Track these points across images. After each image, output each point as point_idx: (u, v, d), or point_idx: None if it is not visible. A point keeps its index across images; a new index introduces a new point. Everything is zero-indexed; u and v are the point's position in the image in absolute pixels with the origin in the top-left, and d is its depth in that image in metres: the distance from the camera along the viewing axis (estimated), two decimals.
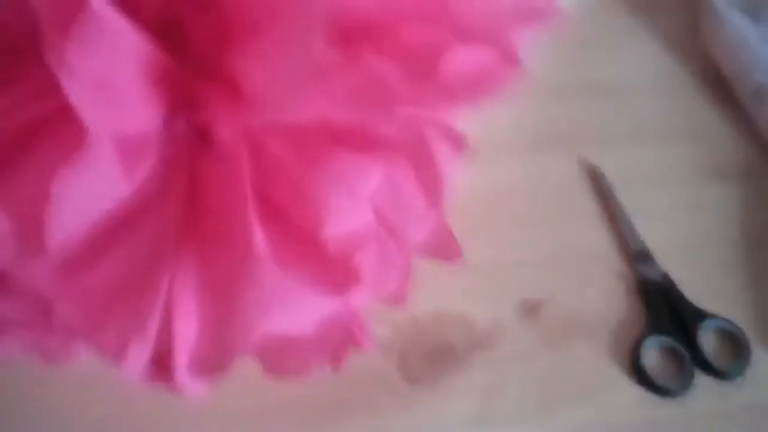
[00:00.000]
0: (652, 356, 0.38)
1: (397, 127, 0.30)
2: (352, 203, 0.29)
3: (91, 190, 0.27)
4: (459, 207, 0.38)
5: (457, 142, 0.31)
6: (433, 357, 0.37)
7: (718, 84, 0.47)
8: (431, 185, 0.31)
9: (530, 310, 0.38)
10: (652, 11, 0.50)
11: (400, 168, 0.30)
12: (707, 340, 0.38)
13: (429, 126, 0.30)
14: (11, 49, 0.27)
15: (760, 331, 0.38)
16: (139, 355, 0.30)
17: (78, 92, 0.24)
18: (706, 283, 0.40)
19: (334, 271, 0.30)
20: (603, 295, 0.39)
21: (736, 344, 0.38)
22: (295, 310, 0.29)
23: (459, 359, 0.37)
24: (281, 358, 0.32)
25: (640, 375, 0.37)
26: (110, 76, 0.26)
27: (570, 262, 0.40)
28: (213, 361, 0.30)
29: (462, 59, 0.29)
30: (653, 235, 0.41)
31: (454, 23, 0.29)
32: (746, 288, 0.40)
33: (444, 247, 0.34)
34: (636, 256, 0.40)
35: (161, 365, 0.33)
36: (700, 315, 0.38)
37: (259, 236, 0.29)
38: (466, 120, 0.38)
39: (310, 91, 0.26)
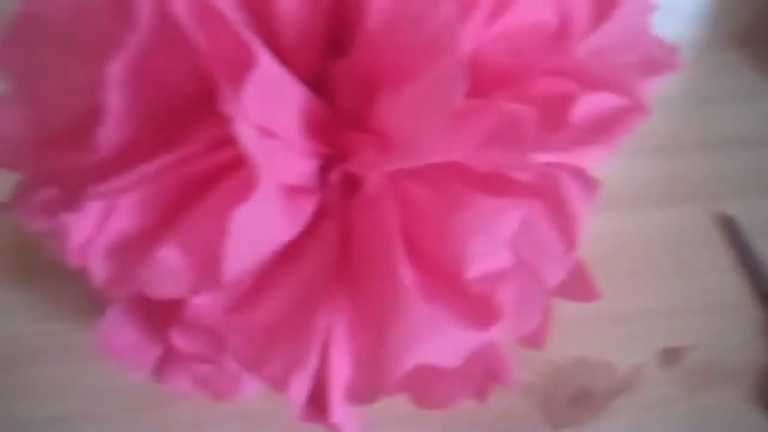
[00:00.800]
0: None
1: (533, 172, 0.32)
2: (492, 245, 0.31)
3: (260, 231, 0.30)
4: (596, 255, 0.40)
5: (590, 186, 0.33)
6: (575, 401, 0.38)
7: None
8: (566, 228, 0.32)
9: (671, 357, 0.39)
10: None
11: (537, 211, 0.32)
12: None
13: (562, 171, 0.32)
14: (185, 108, 0.32)
15: None
16: (301, 387, 0.33)
17: (249, 140, 0.28)
18: None
19: (477, 307, 0.31)
20: (743, 343, 0.39)
21: None
22: (442, 342, 0.31)
23: (601, 405, 0.37)
24: (429, 390, 0.34)
25: None
26: (276, 127, 0.29)
27: (708, 310, 0.40)
28: (366, 391, 0.32)
29: (591, 107, 0.31)
30: None
31: (581, 74, 0.31)
32: None
33: (581, 288, 0.35)
34: None
35: (317, 403, 0.35)
36: None
37: (407, 273, 0.31)
38: (601, 170, 0.40)
39: (449, 136, 0.28)
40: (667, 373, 0.38)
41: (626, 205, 0.44)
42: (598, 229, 0.41)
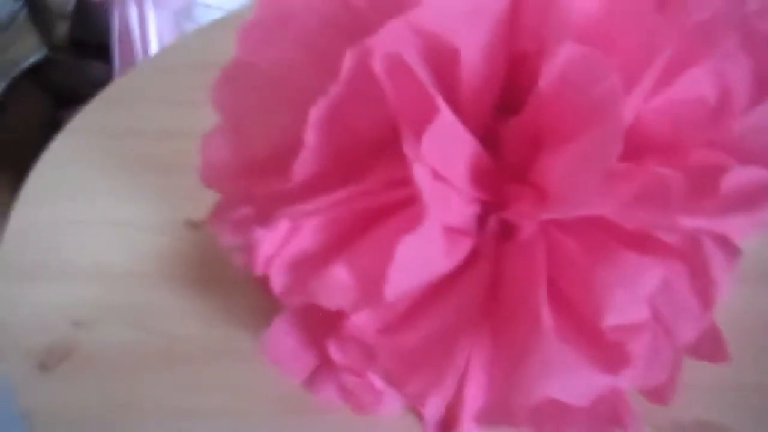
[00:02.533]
0: None
1: (678, 235, 0.34)
2: (631, 298, 0.34)
3: (421, 261, 0.34)
4: (741, 325, 0.42)
5: (733, 254, 0.34)
6: None
7: None
8: (705, 291, 0.34)
9: None
10: None
11: (678, 272, 0.34)
12: None
13: (707, 237, 0.34)
14: (369, 150, 0.36)
15: None
16: (436, 405, 0.37)
17: (423, 179, 0.32)
18: None
19: (609, 353, 0.34)
20: None
21: None
22: (572, 381, 0.33)
23: None
24: (554, 424, 0.36)
25: None
26: (447, 172, 0.33)
27: None
28: (497, 414, 0.35)
29: (741, 179, 0.33)
30: None
31: (736, 148, 0.34)
32: None
33: (712, 349, 0.37)
34: None
35: (447, 428, 0.39)
36: None
37: (547, 315, 0.34)
38: (750, 242, 0.42)
39: (601, 193, 0.31)
40: None
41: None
42: (744, 301, 0.43)
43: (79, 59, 1.19)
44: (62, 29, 1.18)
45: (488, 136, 0.37)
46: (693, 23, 0.34)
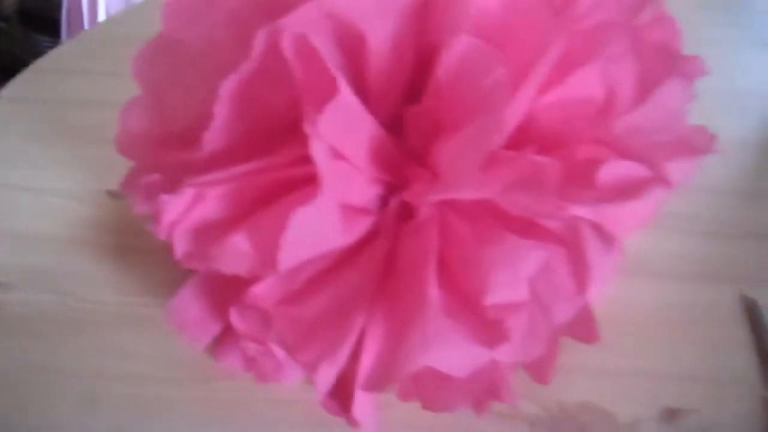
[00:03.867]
0: None
1: (559, 221, 0.37)
2: (512, 279, 0.36)
3: (315, 234, 0.36)
4: (624, 315, 0.45)
5: (608, 241, 0.37)
6: None
7: None
8: (580, 274, 0.37)
9: (670, 415, 0.42)
10: None
11: (557, 256, 0.37)
12: None
13: (585, 224, 0.37)
14: (279, 128, 0.38)
15: None
16: (328, 375, 0.38)
17: (319, 154, 0.34)
18: None
19: (488, 329, 0.36)
20: (741, 416, 0.42)
21: None
22: (452, 352, 0.35)
23: None
24: (435, 393, 0.39)
25: None
26: (347, 151, 0.35)
27: (715, 381, 0.43)
28: (379, 380, 0.37)
29: (618, 173, 0.36)
30: None
31: (617, 145, 0.36)
32: None
33: (585, 330, 0.39)
34: None
35: (343, 399, 0.41)
36: None
37: (433, 290, 0.36)
38: (644, 242, 0.45)
39: (483, 176, 0.34)
40: (663, 430, 0.42)
41: (657, 275, 0.48)
42: (630, 293, 0.46)
43: (28, 31, 1.19)
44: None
45: (397, 123, 0.39)
46: (585, 27, 0.37)
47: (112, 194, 0.51)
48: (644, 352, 0.45)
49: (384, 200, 0.40)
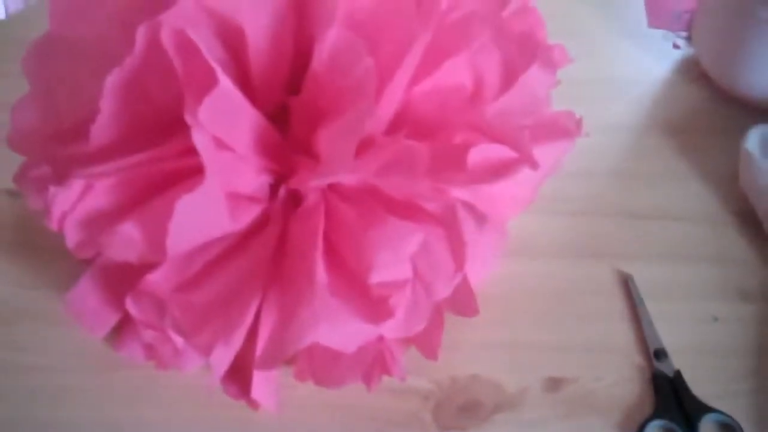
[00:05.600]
0: None
1: (437, 204, 0.39)
2: (395, 259, 0.38)
3: (201, 220, 0.37)
4: (506, 291, 0.48)
5: (481, 220, 0.39)
6: (464, 410, 0.43)
7: (753, 223, 0.53)
8: (458, 252, 0.39)
9: (553, 385, 0.45)
10: (701, 155, 0.58)
11: (435, 236, 0.39)
12: (708, 429, 0.43)
13: (462, 206, 0.39)
14: (165, 120, 0.39)
15: (759, 430, 0.43)
16: (223, 357, 0.40)
17: (203, 144, 0.35)
18: (714, 385, 0.45)
19: (374, 306, 0.38)
20: (619, 382, 0.45)
21: None
22: (340, 329, 0.37)
23: (486, 416, 0.43)
24: (327, 370, 0.40)
25: None
26: (230, 141, 0.37)
27: (595, 350, 0.46)
28: (270, 358, 0.38)
29: (486, 154, 0.38)
30: (672, 339, 0.46)
31: (486, 129, 0.39)
32: (751, 393, 0.44)
33: (464, 304, 0.42)
34: (654, 353, 0.46)
35: (242, 382, 0.42)
36: (704, 408, 0.43)
37: (321, 272, 0.38)
38: (524, 224, 0.48)
39: (359, 159, 0.36)
40: (548, 398, 0.44)
41: (540, 254, 0.51)
42: (513, 271, 0.49)
43: None
44: None
45: (281, 113, 0.41)
46: (452, 19, 0.39)
47: (10, 193, 0.51)
48: (528, 325, 0.47)
49: (274, 189, 0.41)
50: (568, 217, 0.53)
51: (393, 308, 0.38)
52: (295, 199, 0.41)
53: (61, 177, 0.37)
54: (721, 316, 0.48)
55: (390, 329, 0.39)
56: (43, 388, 0.43)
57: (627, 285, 0.49)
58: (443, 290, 0.40)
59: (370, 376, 0.41)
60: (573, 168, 0.51)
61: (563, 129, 0.43)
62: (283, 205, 0.41)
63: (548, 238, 0.52)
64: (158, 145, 0.39)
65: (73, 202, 0.37)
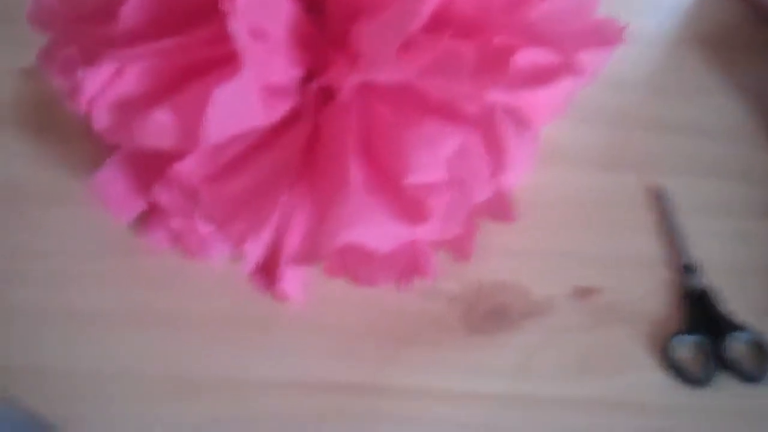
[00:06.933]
0: (682, 349, 0.43)
1: (476, 106, 0.38)
2: (432, 160, 0.37)
3: (236, 111, 0.36)
4: (536, 199, 0.47)
5: (523, 124, 0.38)
6: (492, 314, 0.43)
7: None
8: (497, 157, 0.38)
9: (581, 294, 0.44)
10: (737, 71, 0.56)
11: (474, 139, 0.38)
12: (736, 347, 0.43)
13: (502, 109, 0.38)
14: (199, 5, 0.37)
15: None
16: (255, 247, 0.40)
17: (238, 33, 0.34)
18: (744, 301, 0.44)
19: (410, 207, 0.38)
20: (648, 294, 0.45)
21: (761, 353, 0.43)
22: (374, 229, 0.37)
23: (513, 321, 0.43)
24: (360, 269, 0.40)
25: (668, 362, 0.42)
26: (266, 31, 0.35)
27: (625, 262, 0.46)
28: (306, 255, 0.38)
29: (530, 58, 0.37)
30: (703, 254, 0.46)
31: (530, 33, 0.37)
32: None
33: (500, 210, 0.41)
34: (684, 267, 0.45)
35: (270, 273, 0.42)
36: (733, 325, 0.43)
37: (355, 170, 0.37)
38: (555, 132, 0.46)
39: (401, 58, 0.34)
40: (575, 307, 0.44)
41: (572, 163, 0.50)
42: (545, 180, 0.48)
43: None
44: None
45: (317, 5, 0.39)
46: None
47: (27, 72, 0.50)
48: (557, 234, 0.47)
49: (305, 83, 0.40)
50: (600, 126, 0.52)
51: (429, 210, 0.37)
52: (327, 94, 0.40)
53: (89, 59, 0.36)
54: (752, 234, 0.47)
55: (425, 231, 0.38)
56: (63, 272, 0.43)
57: (657, 197, 0.48)
58: (480, 194, 0.39)
59: (403, 277, 0.41)
60: (605, 77, 0.49)
61: (605, 36, 0.41)
62: (315, 99, 0.40)
63: (579, 147, 0.51)
64: (189, 30, 0.37)
65: (103, 85, 0.36)
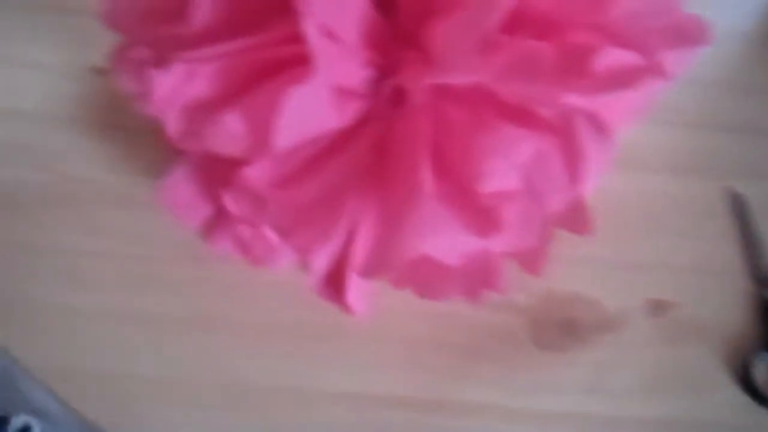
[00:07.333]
0: (760, 369, 0.41)
1: (554, 110, 0.36)
2: (506, 166, 0.36)
3: (308, 114, 0.35)
4: (610, 207, 0.45)
5: (603, 131, 0.37)
6: (562, 328, 0.42)
7: None
8: (574, 165, 0.37)
9: (655, 307, 0.43)
10: None
11: (551, 145, 0.37)
12: None
13: (580, 114, 0.36)
14: (271, 4, 0.36)
15: None
16: (322, 258, 0.39)
17: (312, 34, 0.33)
18: None
19: (482, 217, 0.36)
20: (726, 307, 0.43)
21: None
22: (446, 239, 0.36)
23: (584, 335, 0.42)
24: (429, 282, 0.39)
25: (746, 383, 0.40)
26: (339, 31, 0.34)
27: (701, 272, 0.44)
28: (376, 266, 0.37)
29: (614, 61, 0.35)
30: None
31: (613, 31, 0.36)
32: None
33: (577, 221, 0.40)
34: (764, 279, 0.43)
35: (337, 285, 0.41)
36: None
37: (427, 177, 0.36)
38: (631, 135, 0.45)
39: (478, 59, 0.33)
40: (648, 321, 0.42)
41: (648, 169, 0.48)
42: (618, 185, 0.46)
43: None
44: None
45: (388, 2, 0.38)
46: None
47: (97, 70, 0.50)
48: (631, 243, 0.45)
49: (376, 84, 0.39)
50: (678, 128, 0.50)
51: (502, 220, 0.36)
52: (398, 96, 0.39)
53: (161, 60, 0.36)
54: None
55: (498, 243, 0.37)
56: (126, 276, 0.43)
57: (736, 204, 0.46)
58: (556, 204, 0.37)
59: (474, 291, 0.39)
60: (685, 76, 0.47)
61: (689, 35, 0.39)
62: (386, 101, 0.39)
63: (656, 151, 0.49)
64: (260, 29, 0.37)
65: (175, 87, 0.35)
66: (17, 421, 0.37)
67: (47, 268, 0.42)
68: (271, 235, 0.40)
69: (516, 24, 0.36)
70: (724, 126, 0.50)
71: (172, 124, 0.36)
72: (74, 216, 0.44)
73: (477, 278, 0.39)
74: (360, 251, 0.39)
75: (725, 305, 0.43)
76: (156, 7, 0.38)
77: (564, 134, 0.37)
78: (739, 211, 0.46)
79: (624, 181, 0.47)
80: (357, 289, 0.41)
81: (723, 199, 0.47)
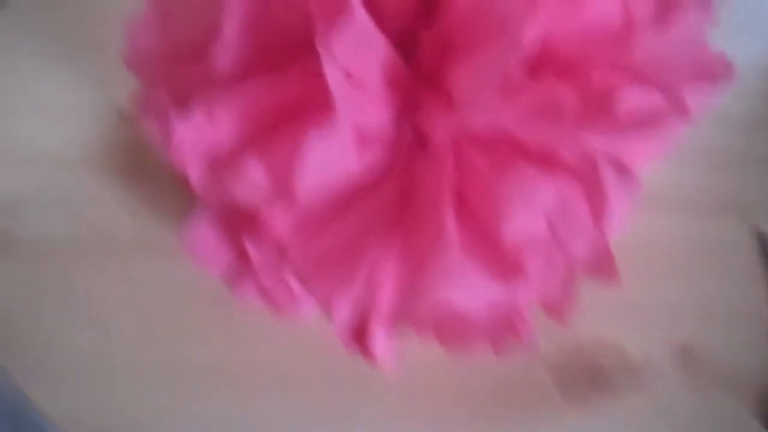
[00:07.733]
0: None
1: (577, 154, 0.36)
2: (529, 211, 0.35)
3: (330, 157, 0.35)
4: (635, 249, 0.44)
5: (628, 176, 0.36)
6: (588, 377, 0.41)
7: None
8: (598, 210, 0.36)
9: (683, 352, 0.42)
10: None
11: (573, 189, 0.36)
12: None
13: (603, 158, 0.36)
14: (287, 41, 0.37)
15: None
16: (344, 307, 0.38)
17: (333, 78, 0.33)
18: None
19: (506, 264, 0.36)
20: (756, 353, 0.42)
21: None
22: (470, 288, 0.35)
23: (612, 385, 0.41)
24: (452, 331, 0.38)
25: None
26: (359, 72, 0.34)
27: (727, 315, 0.43)
28: (400, 313, 0.36)
29: (638, 102, 0.35)
30: None
31: (636, 72, 0.35)
32: None
33: (603, 268, 0.39)
34: None
35: (361, 335, 0.40)
36: None
37: (451, 225, 0.35)
38: (655, 174, 0.44)
39: (500, 102, 0.33)
40: (676, 367, 0.41)
41: (672, 208, 0.47)
42: (642, 226, 0.45)
43: None
44: None
45: (406, 42, 0.38)
46: None
47: (121, 114, 0.50)
48: (655, 286, 0.44)
49: (397, 127, 0.39)
50: (702, 167, 0.49)
51: (526, 267, 0.35)
52: (419, 139, 0.39)
53: (181, 102, 0.35)
54: None
55: (523, 290, 0.36)
56: (151, 325, 0.42)
57: (764, 243, 0.45)
58: (581, 251, 0.37)
59: (499, 339, 0.38)
60: (708, 114, 0.46)
61: (713, 72, 0.38)
62: (407, 147, 0.38)
63: (675, 189, 0.48)
64: (280, 70, 0.36)
65: (194, 133, 0.35)
66: None
67: (77, 318, 0.42)
68: (294, 284, 0.39)
69: (538, 63, 0.36)
70: (749, 163, 0.49)
71: (194, 174, 0.36)
72: (100, 265, 0.44)
73: (501, 326, 0.38)
74: (384, 300, 0.38)
75: (756, 349, 0.42)
76: (179, 50, 0.38)
77: (587, 178, 0.36)
78: (765, 251, 0.45)
79: (647, 221, 0.46)
80: (383, 340, 0.40)
81: (748, 239, 0.46)
